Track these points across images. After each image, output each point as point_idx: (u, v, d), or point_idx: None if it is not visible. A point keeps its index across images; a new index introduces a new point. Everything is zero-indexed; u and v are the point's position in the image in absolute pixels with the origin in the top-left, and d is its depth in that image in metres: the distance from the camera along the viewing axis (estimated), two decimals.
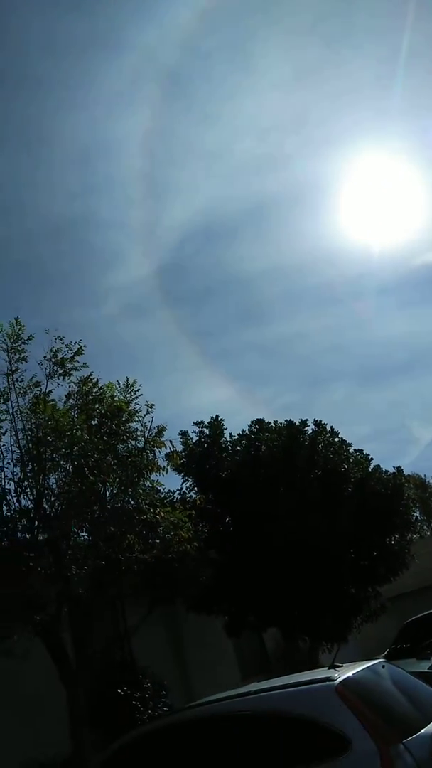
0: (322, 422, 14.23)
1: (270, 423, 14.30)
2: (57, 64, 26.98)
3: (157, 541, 8.85)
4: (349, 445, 14.47)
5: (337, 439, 14.20)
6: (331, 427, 14.31)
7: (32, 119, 27.43)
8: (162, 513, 8.81)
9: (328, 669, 4.31)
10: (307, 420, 14.08)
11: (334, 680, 3.98)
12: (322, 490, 12.97)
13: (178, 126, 30.39)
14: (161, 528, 8.89)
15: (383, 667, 4.57)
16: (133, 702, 10.09)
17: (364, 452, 14.86)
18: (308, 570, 12.30)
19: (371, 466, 14.38)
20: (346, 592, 13.27)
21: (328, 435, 14.15)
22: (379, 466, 14.50)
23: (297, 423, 13.94)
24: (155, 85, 26.18)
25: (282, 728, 4.01)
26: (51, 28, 25.86)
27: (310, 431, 13.98)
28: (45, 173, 28.62)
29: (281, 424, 14.12)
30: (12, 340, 8.28)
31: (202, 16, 24.02)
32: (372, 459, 14.54)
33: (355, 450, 14.58)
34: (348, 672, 4.14)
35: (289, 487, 12.88)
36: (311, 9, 27.84)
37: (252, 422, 14.28)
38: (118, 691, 10.13)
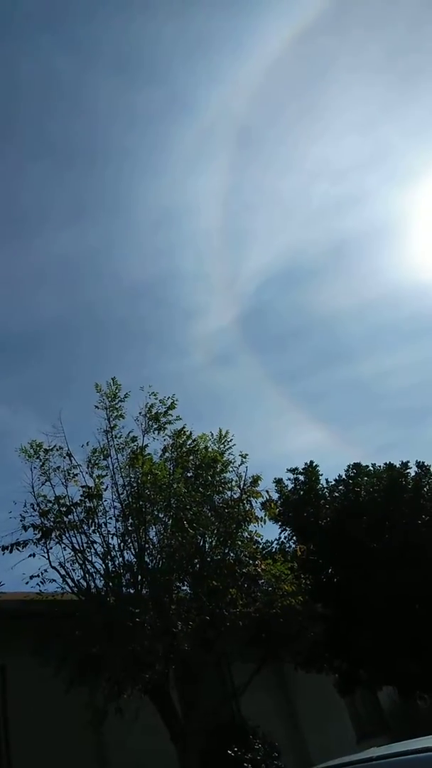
0: (425, 464, 13.57)
1: (368, 466, 13.82)
2: (138, 133, 28.89)
3: (259, 594, 8.66)
4: None
5: None
6: None
7: (119, 188, 29.28)
8: (263, 565, 8.65)
9: None
10: (408, 462, 13.47)
11: None
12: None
13: (254, 177, 31.24)
14: (263, 581, 8.70)
15: None
16: (245, 764, 9.72)
17: None
18: (424, 622, 11.53)
19: None
20: None
21: None
22: None
23: (398, 465, 13.37)
24: (230, 141, 27.26)
25: None
26: (131, 101, 27.81)
27: (413, 473, 13.36)
28: (133, 236, 30.27)
29: (380, 467, 13.61)
30: (110, 399, 8.65)
31: (272, 68, 24.86)
32: None
33: None
34: None
35: (394, 533, 12.29)
36: (382, 46, 28.12)
37: (349, 466, 13.83)
38: (229, 752, 9.81)
